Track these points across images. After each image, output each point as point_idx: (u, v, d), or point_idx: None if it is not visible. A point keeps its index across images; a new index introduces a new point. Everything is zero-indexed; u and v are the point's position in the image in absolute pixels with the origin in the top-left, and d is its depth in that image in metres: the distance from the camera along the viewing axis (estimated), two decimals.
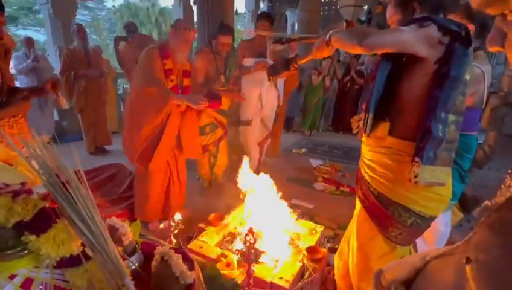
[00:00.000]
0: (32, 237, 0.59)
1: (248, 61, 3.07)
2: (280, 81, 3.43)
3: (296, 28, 7.75)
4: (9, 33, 1.59)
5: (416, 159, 1.10)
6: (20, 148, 0.63)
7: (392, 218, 1.19)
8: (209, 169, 3.13)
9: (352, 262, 1.38)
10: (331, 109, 6.14)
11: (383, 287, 0.49)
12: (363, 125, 1.27)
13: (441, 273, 0.40)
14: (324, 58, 5.65)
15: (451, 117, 1.09)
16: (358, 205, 1.38)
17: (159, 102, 2.07)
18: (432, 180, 1.11)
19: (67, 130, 4.76)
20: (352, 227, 1.43)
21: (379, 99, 1.19)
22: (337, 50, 6.26)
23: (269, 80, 1.48)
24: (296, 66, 1.39)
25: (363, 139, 1.31)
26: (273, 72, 1.46)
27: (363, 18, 8.49)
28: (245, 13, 8.97)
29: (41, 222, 0.61)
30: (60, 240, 0.62)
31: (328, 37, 1.19)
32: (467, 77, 1.07)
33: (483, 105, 1.63)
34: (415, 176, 1.10)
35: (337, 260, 1.58)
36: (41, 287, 0.63)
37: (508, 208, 0.32)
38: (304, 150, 4.82)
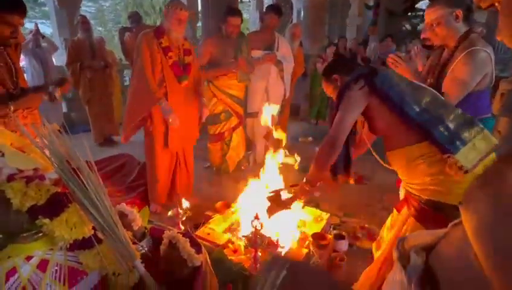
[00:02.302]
0: (46, 221, 0.62)
1: (256, 53, 3.03)
2: (287, 74, 3.40)
3: (302, 15, 7.61)
4: None
5: (444, 156, 1.12)
6: (33, 137, 0.65)
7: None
8: (222, 157, 3.11)
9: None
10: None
11: (404, 250, 0.51)
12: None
13: (455, 234, 0.42)
14: (329, 46, 5.55)
15: (424, 104, 1.15)
16: (398, 220, 1.34)
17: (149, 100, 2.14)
18: (477, 157, 1.11)
19: (76, 122, 4.83)
20: (391, 245, 1.38)
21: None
22: (343, 37, 6.15)
23: (269, 217, 1.61)
24: (289, 207, 1.52)
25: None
26: (271, 212, 1.53)
27: (371, 3, 8.29)
28: (249, 1, 8.85)
29: (54, 206, 0.63)
30: (72, 224, 0.64)
31: (304, 180, 1.41)
32: (396, 76, 1.23)
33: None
34: (460, 168, 1.09)
35: (363, 277, 1.53)
36: (56, 267, 0.66)
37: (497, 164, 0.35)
38: (310, 138, 4.81)
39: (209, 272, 0.90)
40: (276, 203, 1.50)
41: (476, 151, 1.11)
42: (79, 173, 0.63)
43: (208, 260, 0.92)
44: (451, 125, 1.13)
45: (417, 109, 1.14)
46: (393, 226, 1.40)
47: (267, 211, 1.51)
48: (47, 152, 0.61)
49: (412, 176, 1.24)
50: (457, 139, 1.11)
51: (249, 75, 2.89)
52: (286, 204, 1.49)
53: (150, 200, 2.44)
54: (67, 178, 0.61)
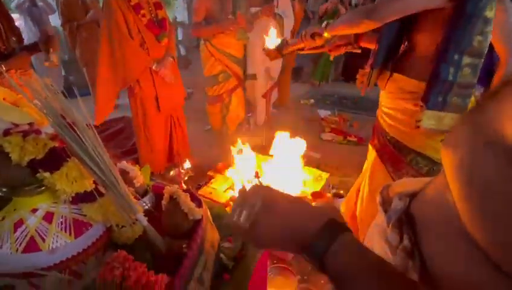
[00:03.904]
0: (47, 174, 0.63)
1: (255, 10, 2.89)
2: (287, 28, 3.25)
3: None
4: None
5: (421, 103, 1.08)
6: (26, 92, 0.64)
7: (409, 166, 1.20)
8: (221, 119, 3.10)
9: (362, 206, 1.42)
10: (342, 57, 5.88)
11: (388, 197, 0.51)
12: (368, 80, 1.26)
13: (437, 179, 0.42)
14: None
15: (466, 59, 1.01)
16: (372, 154, 1.39)
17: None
18: (437, 127, 1.08)
19: (75, 85, 4.77)
20: (364, 176, 1.46)
21: (389, 53, 1.19)
22: None
23: (271, 60, 1.57)
24: (286, 51, 1.48)
25: (383, 87, 1.29)
26: (269, 56, 1.54)
27: None
28: None
29: (53, 160, 0.64)
30: (72, 178, 0.66)
31: (324, 27, 1.23)
32: (489, 14, 0.97)
33: None
34: (418, 121, 1.09)
35: (343, 208, 1.64)
36: (61, 219, 0.69)
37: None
38: (312, 100, 4.75)
39: (210, 225, 0.94)
40: (278, 49, 1.48)
41: (436, 121, 1.08)
42: (75, 128, 0.63)
43: (209, 214, 0.95)
44: (455, 89, 1.06)
45: (456, 57, 1.03)
46: (368, 161, 1.46)
47: (268, 54, 1.53)
48: (41, 106, 0.60)
49: (393, 103, 1.23)
50: (443, 101, 1.06)
51: (247, 33, 2.77)
52: (287, 48, 1.47)
53: (155, 169, 2.42)
54: (64, 132, 0.61)
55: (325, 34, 1.25)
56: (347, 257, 0.39)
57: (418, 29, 1.11)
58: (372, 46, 1.32)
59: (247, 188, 0.49)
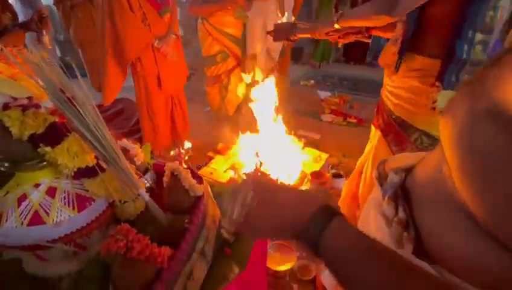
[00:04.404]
0: (48, 149, 0.63)
1: None
2: (288, 8, 3.17)
3: None
4: None
5: (437, 83, 1.07)
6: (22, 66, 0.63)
7: (414, 145, 1.20)
8: (220, 100, 3.06)
9: (364, 186, 1.43)
10: None
11: (385, 172, 0.52)
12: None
13: (433, 153, 0.42)
14: None
15: (479, 36, 1.01)
16: (376, 134, 1.38)
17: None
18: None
19: (71, 66, 4.69)
20: (367, 157, 1.46)
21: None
22: None
23: (274, 41, 1.51)
24: (294, 38, 1.40)
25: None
26: (275, 37, 1.47)
27: None
28: None
29: (54, 135, 0.64)
30: (73, 152, 0.66)
31: (335, 19, 1.19)
32: None
33: None
34: (433, 102, 1.08)
35: (345, 188, 1.65)
36: (64, 194, 0.69)
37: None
38: (312, 82, 4.70)
39: (211, 201, 0.95)
40: (284, 29, 1.43)
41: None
42: (75, 103, 0.63)
43: (210, 191, 0.97)
44: (467, 67, 1.05)
45: (469, 34, 1.00)
46: (371, 141, 1.47)
47: (273, 35, 1.49)
48: (38, 80, 0.59)
49: (398, 81, 1.21)
50: (456, 80, 1.05)
51: (246, 12, 2.70)
52: (295, 35, 1.42)
53: (158, 149, 2.43)
54: (63, 107, 0.61)
55: (336, 26, 1.22)
56: (342, 237, 0.39)
57: (431, 6, 1.08)
58: (383, 35, 1.29)
59: (237, 184, 0.49)
